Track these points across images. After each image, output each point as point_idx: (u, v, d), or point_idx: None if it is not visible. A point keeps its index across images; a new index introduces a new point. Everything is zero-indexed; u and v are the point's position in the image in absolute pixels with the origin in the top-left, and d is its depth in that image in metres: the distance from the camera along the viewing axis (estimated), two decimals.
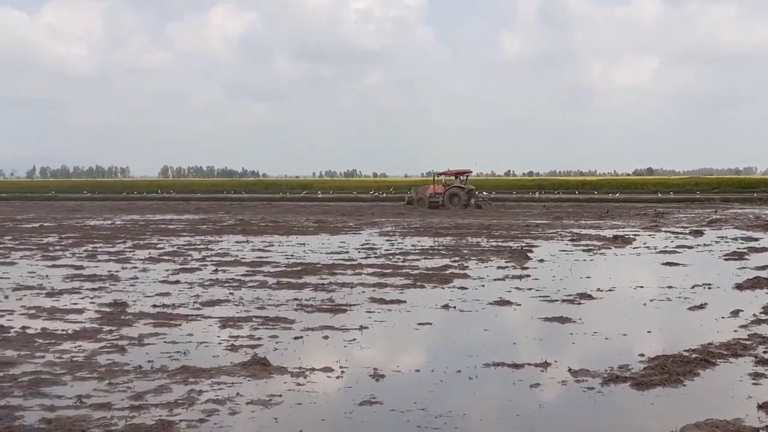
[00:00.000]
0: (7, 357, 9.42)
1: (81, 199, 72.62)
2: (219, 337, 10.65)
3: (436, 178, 52.26)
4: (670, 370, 8.69)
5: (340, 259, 19.85)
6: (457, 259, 19.79)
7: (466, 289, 14.83)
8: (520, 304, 13.25)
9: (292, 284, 15.38)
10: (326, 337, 10.62)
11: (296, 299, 13.64)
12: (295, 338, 10.56)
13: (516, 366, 9.01)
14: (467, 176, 52.38)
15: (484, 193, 59.44)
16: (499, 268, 18.04)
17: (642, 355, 9.48)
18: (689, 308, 12.83)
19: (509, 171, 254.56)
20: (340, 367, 8.92)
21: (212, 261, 19.54)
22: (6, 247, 23.53)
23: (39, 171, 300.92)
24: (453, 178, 51.37)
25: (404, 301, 13.39)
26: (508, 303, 13.27)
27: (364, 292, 14.43)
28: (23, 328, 11.15)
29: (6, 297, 14.08)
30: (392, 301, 13.36)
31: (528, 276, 16.60)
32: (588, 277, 16.49)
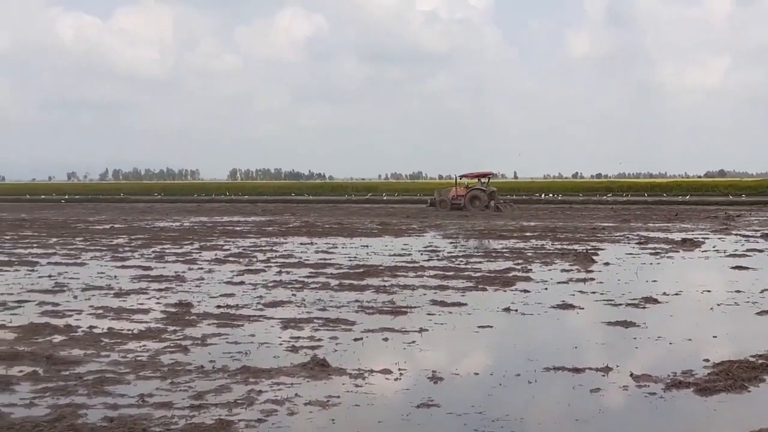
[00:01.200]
0: (74, 356, 9.65)
1: (151, 201, 74.06)
2: (280, 338, 10.76)
3: (458, 180, 52.29)
4: (735, 375, 8.49)
5: (402, 261, 19.88)
6: (520, 261, 19.65)
7: (528, 292, 14.72)
8: (583, 308, 13.09)
9: (354, 286, 15.45)
10: (386, 339, 10.64)
11: (357, 301, 13.70)
12: (355, 340, 10.61)
13: (576, 370, 8.90)
14: (489, 178, 52.31)
15: (508, 196, 59.98)
16: (563, 271, 17.85)
17: (707, 360, 9.28)
18: (757, 313, 12.52)
19: (577, 173, 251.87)
20: (399, 369, 8.93)
21: (276, 263, 19.75)
22: (77, 248, 24.13)
23: (111, 173, 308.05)
24: (475, 180, 51.24)
25: (465, 304, 13.35)
26: (570, 306, 13.13)
27: (425, 294, 14.42)
28: (90, 327, 11.41)
29: (75, 297, 14.44)
30: (453, 304, 13.32)
31: (592, 279, 16.39)
32: (654, 281, 16.20)
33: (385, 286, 15.50)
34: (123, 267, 19.08)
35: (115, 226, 36.01)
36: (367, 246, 24.74)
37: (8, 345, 10.23)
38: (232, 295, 14.52)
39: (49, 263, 19.92)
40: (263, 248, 23.89)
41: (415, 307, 13.08)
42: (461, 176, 52.65)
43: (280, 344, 10.34)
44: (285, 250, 23.17)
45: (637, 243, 25.18)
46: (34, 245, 25.39)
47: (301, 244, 25.72)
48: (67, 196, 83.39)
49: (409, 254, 21.87)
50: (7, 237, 29.07)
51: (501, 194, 54.62)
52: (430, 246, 24.39)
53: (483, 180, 50.96)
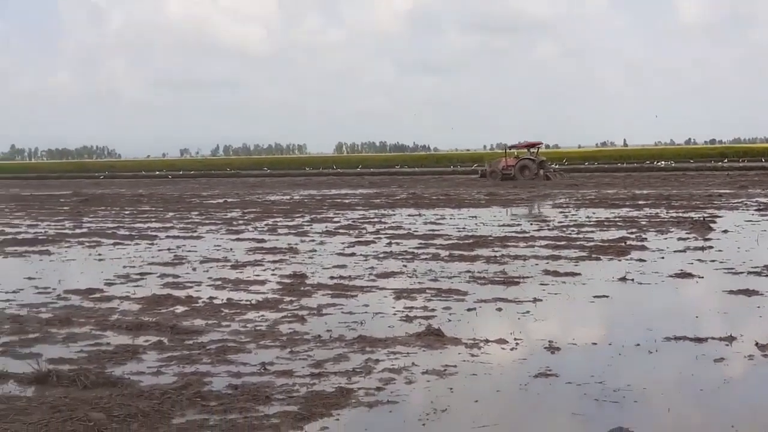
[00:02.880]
0: (196, 326, 9.96)
1: (261, 176, 75.54)
2: (394, 308, 10.83)
3: (507, 151, 53.37)
4: None
5: (511, 232, 19.71)
6: (634, 230, 19.19)
7: (644, 261, 14.37)
8: (702, 277, 12.71)
9: (464, 257, 15.40)
10: (499, 309, 10.59)
11: (468, 271, 13.66)
12: (468, 310, 10.59)
13: (698, 340, 8.66)
14: (538, 148, 53.30)
15: (556, 165, 59.84)
16: (679, 239, 17.36)
17: None
18: None
19: (689, 139, 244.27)
20: (514, 339, 8.87)
21: (386, 234, 19.87)
22: (193, 222, 24.86)
23: (222, 149, 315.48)
24: (525, 150, 52.17)
25: (579, 274, 13.13)
26: (689, 275, 12.76)
27: (537, 264, 14.26)
28: (210, 298, 11.75)
29: (194, 269, 14.89)
30: (566, 274, 13.13)
31: (711, 248, 15.88)
32: None
33: (495, 256, 15.39)
34: (238, 240, 19.55)
35: (228, 200, 36.91)
36: (475, 217, 24.62)
37: (134, 316, 10.65)
38: (344, 266, 14.70)
39: (167, 237, 20.60)
40: (372, 220, 24.07)
41: (527, 277, 12.95)
42: (510, 147, 53.90)
43: (394, 314, 10.42)
44: (393, 222, 23.28)
45: (756, 210, 24.27)
46: (153, 220, 26.29)
47: (409, 215, 25.79)
48: (177, 172, 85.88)
49: (519, 224, 21.66)
50: (127, 212, 30.19)
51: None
52: (540, 216, 24.08)
53: (532, 150, 52.03)
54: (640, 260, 14.46)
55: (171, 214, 28.67)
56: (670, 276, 12.76)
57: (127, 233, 21.62)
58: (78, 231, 22.78)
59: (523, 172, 48.79)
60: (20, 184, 69.93)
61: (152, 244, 19.14)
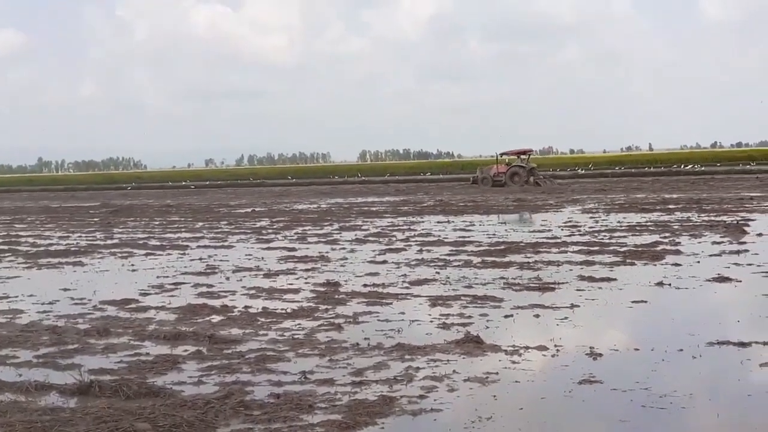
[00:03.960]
0: (234, 335, 9.96)
1: (287, 185, 75.71)
2: (430, 315, 10.78)
3: (499, 158, 54.87)
4: None
5: (543, 237, 19.59)
6: (667, 234, 19.02)
7: (680, 265, 14.23)
8: (740, 281, 12.55)
9: (497, 263, 15.32)
10: (537, 316, 10.50)
11: (502, 278, 13.58)
12: (506, 316, 10.51)
13: (742, 344, 8.53)
14: (529, 155, 54.44)
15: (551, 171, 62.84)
16: (714, 243, 17.18)
17: None
18: None
19: (715, 142, 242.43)
20: (555, 346, 8.79)
21: (416, 241, 19.81)
22: (223, 231, 24.94)
23: (246, 158, 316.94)
24: (515, 157, 53.69)
25: (615, 279, 13.02)
26: (727, 279, 12.61)
27: (571, 269, 14.16)
28: (245, 307, 11.76)
29: (227, 278, 14.92)
30: (602, 279, 13.01)
31: (746, 251, 15.69)
32: None
33: (528, 262, 15.30)
34: (268, 249, 19.57)
35: (256, 209, 37.00)
36: (505, 223, 24.50)
37: (171, 325, 10.67)
38: (376, 273, 14.67)
39: (198, 246, 20.67)
40: (401, 227, 24.03)
41: (562, 282, 12.86)
42: (502, 154, 55.39)
43: (431, 321, 10.37)
44: (423, 229, 23.23)
45: None
46: (182, 230, 26.39)
47: (438, 222, 25.72)
48: (204, 182, 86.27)
49: (549, 230, 21.52)
50: (156, 222, 30.34)
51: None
52: (570, 221, 23.94)
53: (522, 157, 53.32)
54: (676, 264, 14.33)
55: (200, 224, 28.78)
56: (708, 280, 12.62)
57: (158, 243, 21.72)
58: (109, 242, 22.93)
59: (513, 179, 50.15)
60: (49, 196, 70.53)
61: (184, 254, 19.20)
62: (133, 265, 17.53)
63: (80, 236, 25.31)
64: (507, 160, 53.98)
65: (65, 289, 14.14)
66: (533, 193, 41.33)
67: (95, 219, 33.96)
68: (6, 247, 22.03)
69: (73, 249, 20.95)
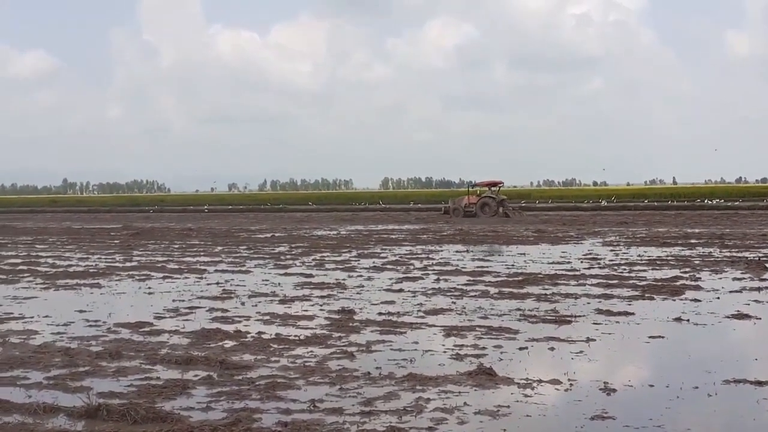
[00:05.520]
0: (245, 361, 9.91)
1: (308, 210, 75.87)
2: (443, 345, 10.69)
3: (470, 189, 57.07)
4: None
5: (562, 270, 19.45)
6: (687, 269, 18.82)
7: (699, 301, 14.06)
8: (760, 318, 12.37)
9: (514, 294, 15.21)
10: (552, 349, 10.38)
11: (519, 309, 13.47)
12: (520, 349, 10.40)
13: (759, 383, 8.39)
14: (499, 187, 56.29)
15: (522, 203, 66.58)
16: (734, 279, 16.97)
17: None
18: None
19: (740, 177, 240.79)
20: (569, 380, 8.68)
21: (434, 270, 19.73)
22: (241, 256, 24.95)
23: (269, 184, 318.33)
24: (486, 189, 55.57)
25: (633, 313, 12.87)
26: (746, 316, 12.43)
27: (589, 303, 14.02)
28: (259, 333, 11.71)
29: (242, 303, 14.89)
30: (620, 313, 12.88)
31: (767, 288, 15.49)
32: None
33: (546, 294, 15.18)
34: (286, 274, 19.56)
35: (276, 234, 37.05)
36: (524, 254, 24.37)
37: (183, 350, 10.63)
38: (392, 302, 14.60)
39: (216, 271, 20.67)
40: (419, 256, 23.96)
41: (579, 316, 12.73)
42: (473, 185, 57.67)
43: (444, 352, 10.27)
44: (441, 258, 23.14)
45: None
46: (201, 253, 26.44)
47: (457, 251, 25.64)
48: (226, 206, 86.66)
49: (569, 262, 21.37)
50: (176, 246, 30.42)
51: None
52: (590, 253, 23.77)
53: (493, 188, 55.40)
54: (695, 300, 14.15)
55: (219, 248, 28.84)
56: (727, 317, 12.45)
57: (176, 267, 21.75)
58: (128, 264, 22.99)
59: (483, 210, 51.98)
60: (72, 217, 71.06)
61: (201, 277, 19.22)
62: (150, 288, 17.56)
63: (100, 258, 25.42)
64: (478, 192, 55.62)
65: (81, 311, 14.17)
66: (554, 225, 41.13)
67: (116, 241, 34.12)
68: (26, 268, 22.14)
69: (91, 270, 21.04)
